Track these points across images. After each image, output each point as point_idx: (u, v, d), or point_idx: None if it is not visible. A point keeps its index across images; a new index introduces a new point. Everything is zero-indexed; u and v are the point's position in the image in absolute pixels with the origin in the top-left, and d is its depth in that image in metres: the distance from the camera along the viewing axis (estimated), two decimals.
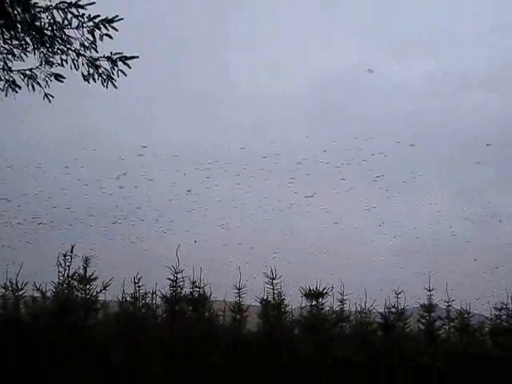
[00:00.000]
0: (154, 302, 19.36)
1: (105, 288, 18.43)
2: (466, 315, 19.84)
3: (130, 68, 8.93)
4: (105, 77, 8.97)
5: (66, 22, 8.57)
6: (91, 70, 8.97)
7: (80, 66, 8.95)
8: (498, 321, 19.95)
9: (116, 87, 9.07)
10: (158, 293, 19.15)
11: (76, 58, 8.90)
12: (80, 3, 8.10)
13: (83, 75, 8.99)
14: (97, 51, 8.88)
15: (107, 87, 9.02)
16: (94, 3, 8.17)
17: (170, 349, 17.57)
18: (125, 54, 8.86)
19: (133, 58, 8.90)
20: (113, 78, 8.99)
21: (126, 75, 8.99)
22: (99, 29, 8.69)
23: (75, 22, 8.66)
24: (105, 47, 8.96)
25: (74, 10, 8.11)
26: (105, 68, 8.99)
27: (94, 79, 8.99)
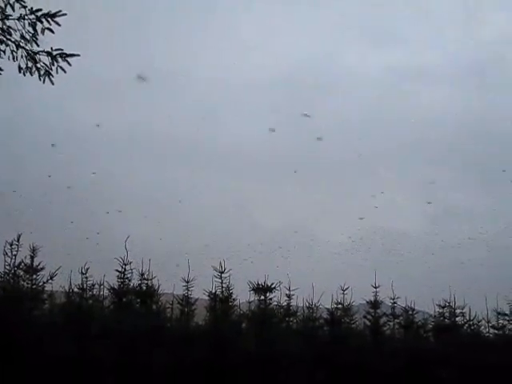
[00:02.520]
0: (101, 293, 19.24)
1: (51, 278, 18.24)
2: (410, 312, 20.21)
3: (70, 65, 8.80)
4: (43, 72, 8.83)
5: (7, 12, 8.42)
6: (29, 64, 8.81)
7: (19, 58, 8.79)
8: (441, 318, 20.37)
9: (53, 83, 8.92)
10: (105, 284, 19.04)
11: (15, 49, 8.74)
12: None
13: (20, 67, 8.82)
14: (38, 45, 8.73)
15: (44, 82, 8.88)
16: None
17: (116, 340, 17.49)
18: (65, 51, 8.73)
19: (73, 55, 8.78)
20: (51, 74, 8.85)
21: (65, 72, 8.86)
22: (41, 22, 8.55)
23: (17, 14, 8.52)
24: (46, 41, 8.80)
25: None
26: (44, 63, 8.84)
27: (30, 73, 8.83)
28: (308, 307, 19.95)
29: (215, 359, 17.80)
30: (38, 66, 8.83)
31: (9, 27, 8.61)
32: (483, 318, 20.23)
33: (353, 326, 20.23)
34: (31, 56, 8.73)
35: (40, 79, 8.88)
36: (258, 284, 19.24)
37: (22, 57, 8.79)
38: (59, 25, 8.62)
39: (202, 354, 18.04)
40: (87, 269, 18.81)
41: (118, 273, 18.76)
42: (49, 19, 8.51)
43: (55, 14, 8.51)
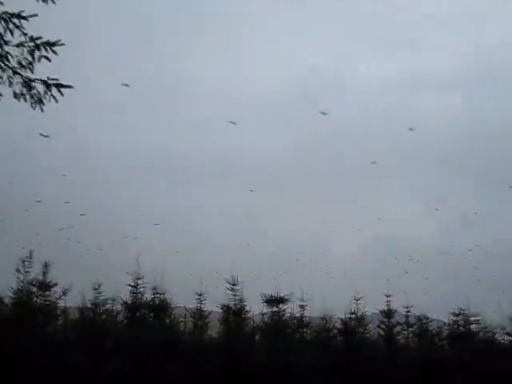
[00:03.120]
0: (114, 308, 19.27)
1: (64, 294, 18.34)
2: (424, 321, 20.10)
3: (62, 96, 8.85)
4: (36, 99, 8.88)
5: (6, 38, 8.48)
6: (24, 90, 8.88)
7: (14, 84, 8.85)
8: (456, 326, 20.25)
9: (43, 111, 8.98)
10: (118, 299, 19.07)
11: (12, 75, 8.79)
12: (23, 14, 8.05)
13: (15, 93, 8.86)
14: (32, 72, 8.78)
15: (35, 109, 8.94)
16: (36, 15, 8.13)
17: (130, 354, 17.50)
18: (60, 82, 8.79)
19: (68, 86, 8.83)
20: (43, 102, 8.91)
21: (57, 102, 8.93)
22: (39, 50, 8.60)
23: (16, 40, 8.58)
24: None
25: (16, 20, 8.07)
26: (38, 90, 8.91)
27: (24, 99, 8.89)
28: (321, 318, 19.87)
29: (229, 372, 17.76)
30: (32, 93, 8.89)
31: (7, 53, 8.67)
32: (498, 325, 20.10)
33: (367, 335, 20.12)
34: (27, 83, 8.79)
35: (32, 106, 8.94)
36: (271, 296, 19.19)
37: (17, 83, 8.85)
38: (56, 53, 8.70)
39: (216, 366, 17.99)
40: (100, 284, 18.86)
41: (130, 287, 18.77)
42: (47, 47, 8.58)
43: (55, 43, 8.57)
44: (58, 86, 8.80)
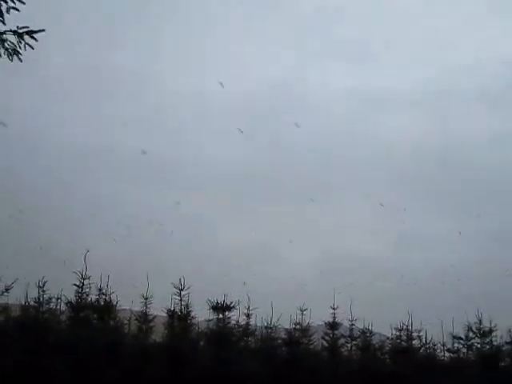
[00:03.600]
0: (58, 307, 19.00)
1: (7, 290, 17.99)
2: (368, 334, 20.35)
3: (36, 41, 8.76)
4: (11, 51, 8.77)
5: None
6: None
7: None
8: (398, 341, 20.55)
9: (21, 61, 8.88)
10: (63, 298, 18.82)
11: None
12: None
13: None
14: (4, 23, 8.67)
15: (12, 61, 8.83)
16: None
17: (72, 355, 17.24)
18: (31, 28, 8.70)
19: (40, 31, 8.74)
20: (19, 52, 8.82)
21: (33, 48, 8.83)
22: (6, 2, 8.52)
23: None
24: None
25: None
26: (11, 42, 8.80)
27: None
28: (266, 327, 19.94)
29: (172, 377, 17.65)
30: (6, 45, 8.77)
31: None
32: (439, 342, 20.50)
33: (311, 346, 20.25)
34: None
35: (9, 58, 8.81)
36: (217, 302, 19.18)
37: None
38: (24, 3, 8.61)
39: (159, 371, 17.88)
40: (44, 282, 18.57)
41: (76, 287, 18.52)
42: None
43: None
44: (30, 32, 8.69)
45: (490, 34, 67.09)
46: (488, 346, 20.33)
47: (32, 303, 18.61)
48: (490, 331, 20.24)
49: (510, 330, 20.54)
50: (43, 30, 8.80)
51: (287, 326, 20.17)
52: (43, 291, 18.62)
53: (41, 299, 18.60)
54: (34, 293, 18.58)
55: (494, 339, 20.36)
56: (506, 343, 20.55)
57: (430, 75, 66.57)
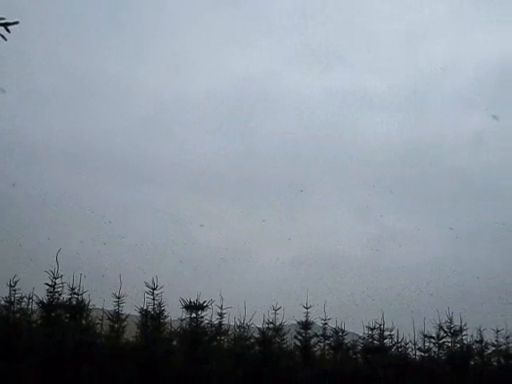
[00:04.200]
0: (29, 307, 18.84)
1: None
2: (340, 333, 20.47)
3: (9, 32, 8.63)
4: None
5: None
6: None
7: None
8: (370, 340, 20.71)
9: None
10: (34, 298, 18.66)
11: None
12: None
13: None
14: None
15: None
16: None
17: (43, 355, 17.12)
18: (6, 20, 8.58)
19: (14, 23, 8.62)
20: None
21: (6, 40, 8.70)
22: None
23: None
24: None
25: None
26: None
27: None
28: (239, 326, 19.96)
29: (145, 376, 17.63)
30: None
31: None
32: (410, 341, 20.70)
33: (283, 345, 20.31)
34: None
35: None
36: (190, 301, 19.15)
37: None
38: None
39: (132, 371, 17.85)
40: (16, 281, 18.41)
41: (47, 286, 18.37)
42: None
43: None
44: (4, 24, 8.54)
45: (465, 34, 67.88)
46: (458, 345, 20.61)
47: (3, 303, 18.40)
48: (461, 330, 20.51)
49: (479, 329, 20.86)
50: (17, 22, 8.68)
51: (260, 326, 20.19)
52: (14, 291, 18.46)
53: (12, 299, 18.41)
54: (4, 292, 18.39)
55: (464, 338, 20.67)
56: (476, 342, 20.85)
57: (405, 76, 67.10)
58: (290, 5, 69.07)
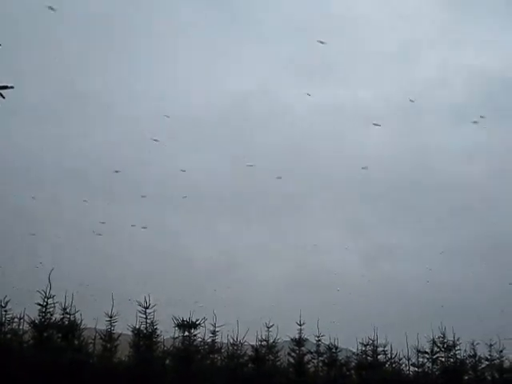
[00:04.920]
0: (21, 327, 18.70)
1: None
2: (334, 350, 20.43)
3: (3, 98, 8.60)
4: None
5: None
6: None
7: None
8: (364, 356, 20.68)
9: (13, 87, 8.70)
10: (26, 318, 18.52)
11: None
12: None
13: None
14: None
15: None
16: None
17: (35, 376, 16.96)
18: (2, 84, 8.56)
19: (7, 87, 8.60)
20: None
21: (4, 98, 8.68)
22: None
23: None
24: None
25: None
26: None
27: None
28: (233, 344, 19.89)
29: None
30: None
31: None
32: (404, 356, 20.68)
33: (277, 363, 20.24)
34: None
35: None
36: (183, 320, 19.09)
37: None
38: None
39: None
40: (7, 302, 18.29)
41: (39, 306, 18.24)
42: None
43: None
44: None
45: (457, 46, 68.53)
46: (452, 360, 20.60)
47: None
48: (454, 345, 20.53)
49: (472, 344, 20.87)
50: (12, 87, 8.65)
51: (253, 343, 20.12)
52: (5, 311, 18.32)
53: (3, 319, 18.27)
54: None
55: (457, 353, 20.67)
56: (469, 356, 20.85)
57: (397, 88, 67.49)
58: (281, 18, 69.40)
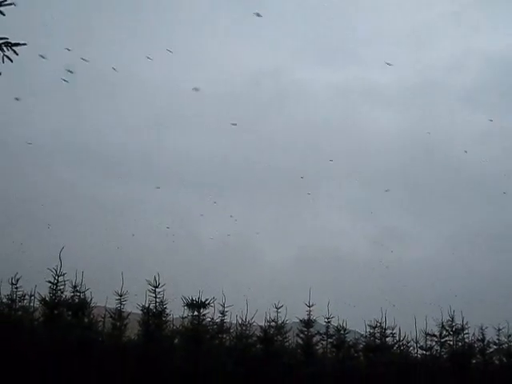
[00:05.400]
0: (31, 304, 18.88)
1: None
2: (342, 332, 20.46)
3: (17, 55, 8.58)
4: None
5: None
6: None
7: None
8: (372, 338, 20.72)
9: (0, 73, 8.69)
10: (36, 295, 18.68)
11: None
12: None
13: None
14: None
15: None
16: None
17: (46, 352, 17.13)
18: (10, 40, 8.53)
19: (20, 44, 8.57)
20: None
21: (11, 61, 8.65)
22: None
23: None
24: None
25: None
26: None
27: None
28: (241, 324, 19.96)
29: (146, 374, 17.66)
30: None
31: None
32: (412, 339, 20.69)
33: (286, 344, 20.31)
34: None
35: None
36: (192, 299, 19.14)
37: None
38: (3, 14, 8.41)
39: (133, 368, 17.88)
40: (18, 279, 18.43)
41: (50, 284, 18.36)
42: None
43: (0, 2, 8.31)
44: (9, 44, 8.48)
45: (472, 30, 67.83)
46: (460, 344, 20.59)
47: (5, 300, 18.42)
48: (463, 329, 20.50)
49: (481, 328, 20.84)
50: (25, 44, 8.60)
51: (262, 324, 20.19)
52: (16, 288, 18.48)
53: (14, 296, 18.43)
54: (6, 290, 18.42)
55: (466, 336, 20.65)
56: (478, 340, 20.83)
57: (413, 71, 67.01)
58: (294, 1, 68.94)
